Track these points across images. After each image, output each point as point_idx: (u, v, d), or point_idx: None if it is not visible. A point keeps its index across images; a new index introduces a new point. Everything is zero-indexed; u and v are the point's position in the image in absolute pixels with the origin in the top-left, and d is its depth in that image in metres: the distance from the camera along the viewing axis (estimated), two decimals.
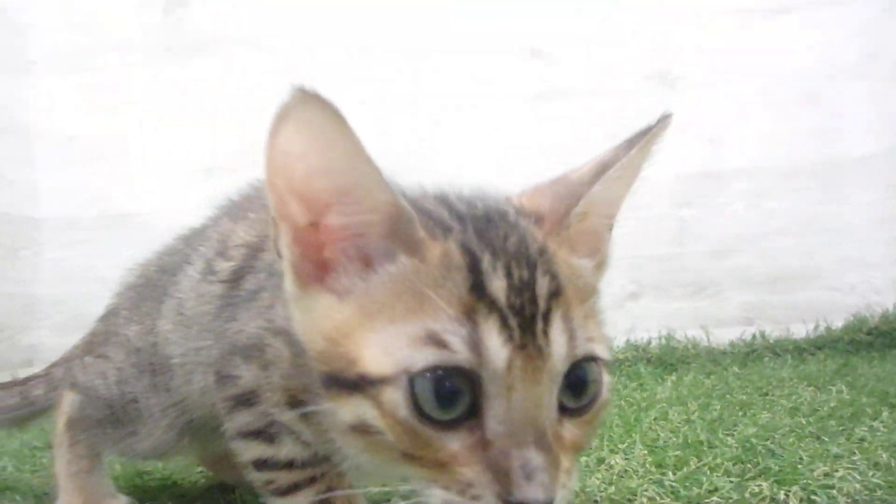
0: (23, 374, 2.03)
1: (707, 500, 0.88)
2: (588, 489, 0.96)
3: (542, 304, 0.53)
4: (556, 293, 0.54)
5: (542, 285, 0.54)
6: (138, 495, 1.07)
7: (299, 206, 0.55)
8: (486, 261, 0.54)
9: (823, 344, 2.26)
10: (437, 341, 0.50)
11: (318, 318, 0.56)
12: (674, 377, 1.97)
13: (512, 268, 0.54)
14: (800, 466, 0.99)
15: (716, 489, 0.92)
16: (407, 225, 0.54)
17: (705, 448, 1.13)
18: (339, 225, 0.56)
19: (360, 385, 0.52)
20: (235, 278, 0.79)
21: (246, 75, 2.55)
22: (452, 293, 0.52)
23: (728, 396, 1.60)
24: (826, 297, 2.42)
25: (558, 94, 2.53)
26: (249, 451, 0.74)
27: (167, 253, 1.03)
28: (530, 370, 0.51)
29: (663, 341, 2.35)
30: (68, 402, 1.03)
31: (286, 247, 0.57)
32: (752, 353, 2.27)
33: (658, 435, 1.26)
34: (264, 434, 0.72)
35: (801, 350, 2.26)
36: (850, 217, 2.45)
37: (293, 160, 0.54)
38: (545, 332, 0.52)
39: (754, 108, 2.51)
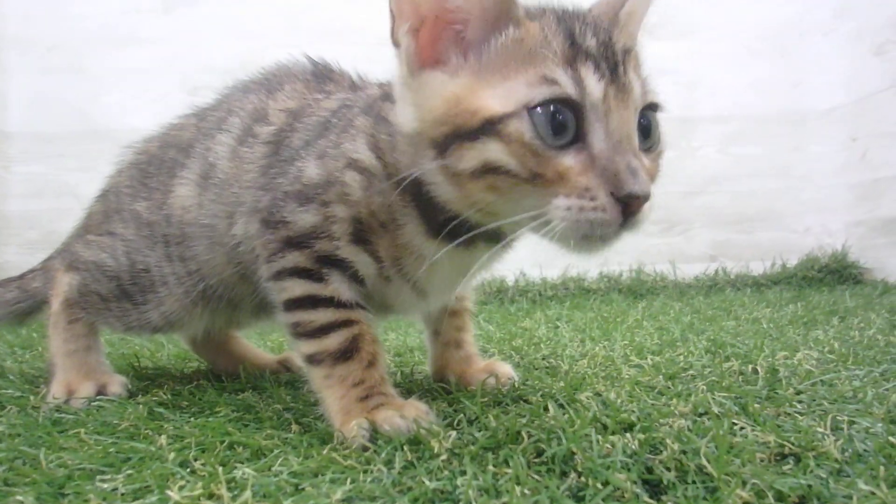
0: None
1: (685, 374, 0.97)
2: (576, 370, 1.04)
3: (620, 56, 0.67)
4: (627, 51, 0.68)
5: (619, 42, 0.68)
6: (132, 381, 1.05)
7: None
8: (577, 27, 0.67)
9: (779, 279, 2.42)
10: (549, 80, 0.63)
11: (436, 90, 0.67)
12: (644, 303, 2.09)
13: (596, 30, 0.68)
14: (765, 351, 1.09)
15: (692, 366, 1.01)
16: (510, 6, 0.67)
17: (679, 343, 1.23)
18: (453, 7, 0.67)
19: (484, 129, 0.63)
20: (279, 139, 0.85)
21: None
22: (556, 50, 0.65)
23: (696, 314, 1.71)
24: (784, 237, 2.57)
25: None
26: (294, 289, 0.78)
27: (172, 129, 1.06)
28: (620, 99, 0.65)
29: (634, 274, 2.47)
30: (66, 282, 1.05)
31: (404, 36, 0.68)
32: (715, 287, 2.41)
33: (634, 338, 1.35)
34: (314, 273, 0.78)
35: (759, 284, 2.41)
36: (812, 165, 2.58)
37: None
38: (625, 74, 0.66)
39: (730, 59, 2.59)
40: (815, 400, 0.79)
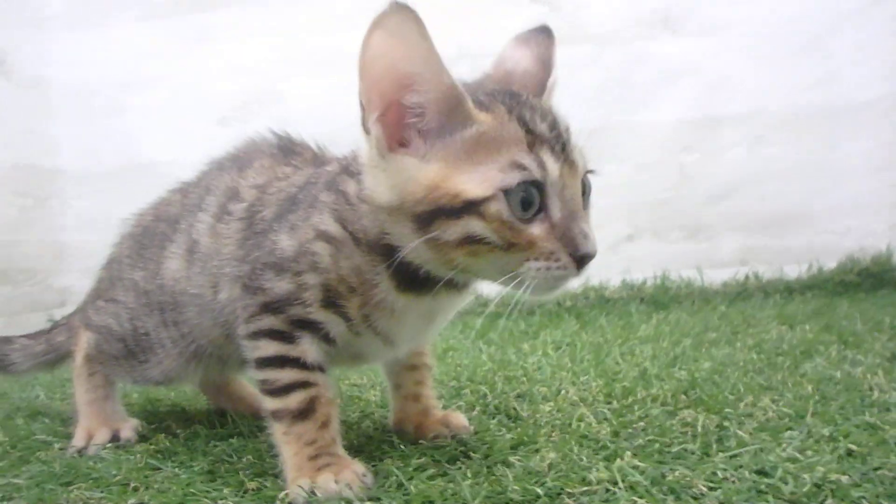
0: (57, 313, 2.24)
1: (636, 425, 0.98)
2: (535, 419, 1.07)
3: (565, 136, 0.80)
4: (567, 130, 0.81)
5: (562, 124, 0.81)
6: (150, 419, 1.22)
7: (388, 86, 0.77)
8: (527, 115, 0.79)
9: (813, 284, 2.33)
10: (518, 166, 0.75)
11: (412, 174, 0.78)
12: (661, 315, 2.07)
13: (543, 115, 0.80)
14: (731, 397, 1.09)
15: (647, 416, 1.02)
16: (460, 102, 0.77)
17: (654, 381, 1.23)
18: (415, 103, 0.77)
19: (466, 209, 0.75)
20: (251, 214, 0.96)
21: (261, 28, 2.61)
22: (516, 137, 0.77)
23: (702, 335, 1.69)
24: (821, 239, 2.46)
25: (560, 39, 2.53)
26: (267, 348, 0.88)
27: (162, 204, 1.16)
28: (570, 175, 0.78)
29: (658, 281, 2.44)
30: (85, 340, 1.19)
31: (374, 125, 0.78)
32: (743, 293, 2.35)
33: (619, 368, 1.37)
34: (286, 334, 0.87)
35: (790, 290, 2.33)
36: (847, 162, 2.45)
37: (382, 55, 0.75)
38: (572, 151, 0.79)
39: (755, 54, 2.48)
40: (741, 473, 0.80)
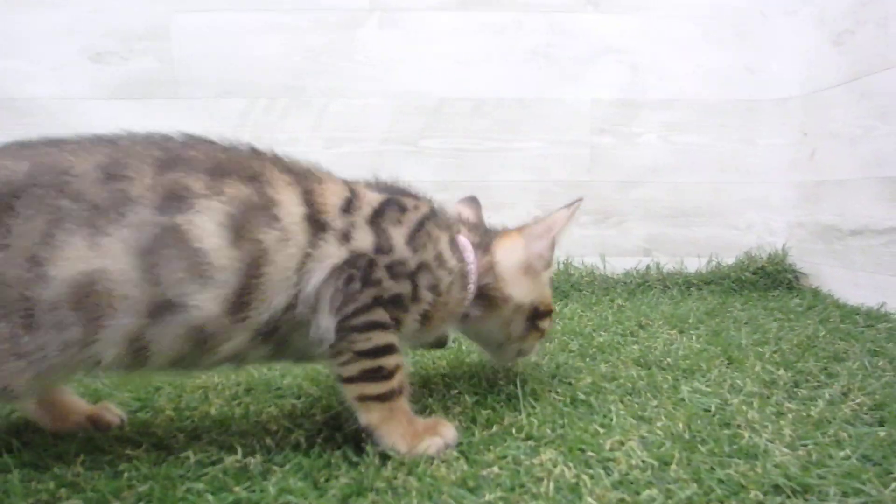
0: None
1: (491, 468, 0.89)
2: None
3: None
4: None
5: None
6: None
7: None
8: None
9: (711, 280, 2.32)
10: None
11: (547, 288, 1.22)
12: (558, 306, 2.00)
13: None
14: (601, 430, 1.01)
15: (504, 457, 0.92)
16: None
17: (529, 403, 1.14)
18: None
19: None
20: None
21: None
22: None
23: (591, 337, 1.62)
24: (724, 234, 2.45)
25: (483, 4, 2.36)
26: (378, 339, 0.93)
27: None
28: None
29: (561, 267, 2.37)
30: None
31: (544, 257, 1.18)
32: (644, 285, 2.32)
33: (496, 383, 1.27)
34: (389, 325, 0.95)
35: (689, 284, 2.31)
36: (759, 158, 2.43)
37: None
38: None
39: (680, 39, 2.39)
40: None
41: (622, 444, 0.97)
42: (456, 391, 1.22)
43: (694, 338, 1.61)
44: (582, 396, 1.18)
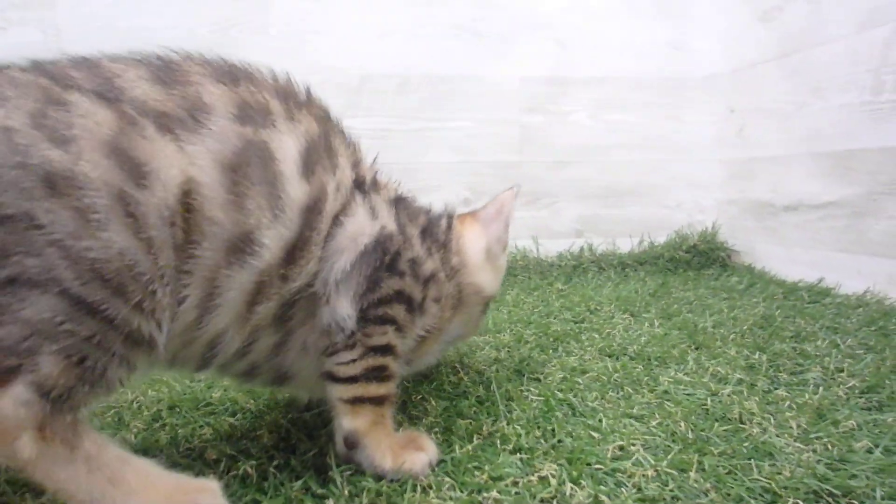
0: None
1: (488, 493, 0.73)
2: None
3: None
4: None
5: None
6: None
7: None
8: None
9: (645, 260, 2.27)
10: None
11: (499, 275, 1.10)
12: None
13: None
14: (596, 436, 0.88)
15: (499, 477, 0.77)
16: None
17: (505, 406, 0.99)
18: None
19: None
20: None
21: None
22: None
23: (545, 327, 1.50)
24: (654, 213, 2.42)
25: None
26: (389, 337, 0.84)
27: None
28: None
29: None
30: None
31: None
32: (579, 267, 2.24)
33: (461, 384, 1.11)
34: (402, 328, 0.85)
35: (624, 265, 2.26)
36: (687, 136, 2.41)
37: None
38: None
39: (608, 15, 2.32)
40: None
41: (624, 449, 0.84)
42: (419, 396, 1.05)
43: (649, 322, 1.52)
44: (559, 395, 1.05)
